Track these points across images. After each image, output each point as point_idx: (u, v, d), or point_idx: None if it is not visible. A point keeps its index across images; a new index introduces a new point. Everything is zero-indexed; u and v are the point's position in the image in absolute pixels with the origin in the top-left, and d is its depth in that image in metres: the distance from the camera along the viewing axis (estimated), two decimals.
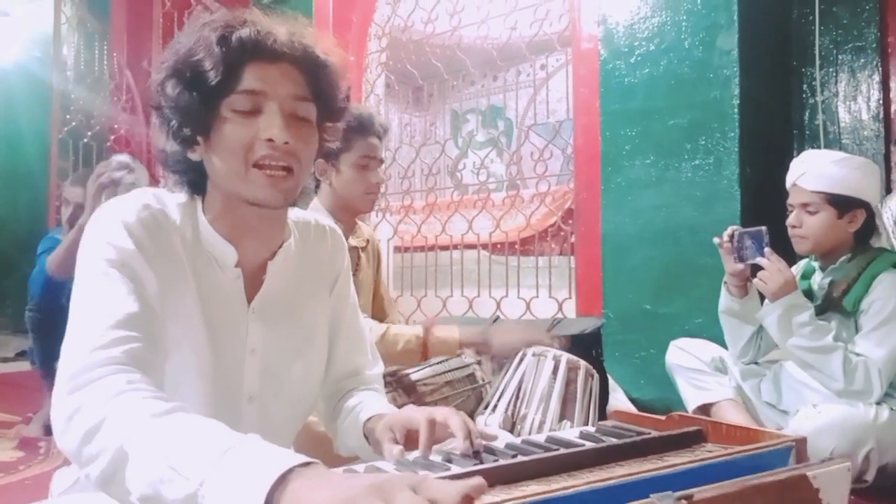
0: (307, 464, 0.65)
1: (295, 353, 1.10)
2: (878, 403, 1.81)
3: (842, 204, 1.90)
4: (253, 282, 1.05)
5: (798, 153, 2.42)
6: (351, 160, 1.96)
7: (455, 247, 3.86)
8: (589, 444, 0.96)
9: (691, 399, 2.13)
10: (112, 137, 5.07)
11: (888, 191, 2.62)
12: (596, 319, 2.88)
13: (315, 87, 1.00)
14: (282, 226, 1.07)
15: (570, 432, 1.10)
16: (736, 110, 2.52)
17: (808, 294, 1.97)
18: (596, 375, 1.94)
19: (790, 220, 1.97)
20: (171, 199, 1.02)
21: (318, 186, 2.02)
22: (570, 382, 1.84)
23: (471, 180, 4.36)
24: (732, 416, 2.00)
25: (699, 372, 2.15)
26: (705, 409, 2.08)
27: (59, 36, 4.88)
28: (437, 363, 2.06)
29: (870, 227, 1.95)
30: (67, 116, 4.86)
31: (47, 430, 2.68)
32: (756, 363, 2.15)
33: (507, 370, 1.92)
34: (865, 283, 1.88)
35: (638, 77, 2.77)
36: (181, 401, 0.80)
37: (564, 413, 1.80)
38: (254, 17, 0.97)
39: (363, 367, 1.23)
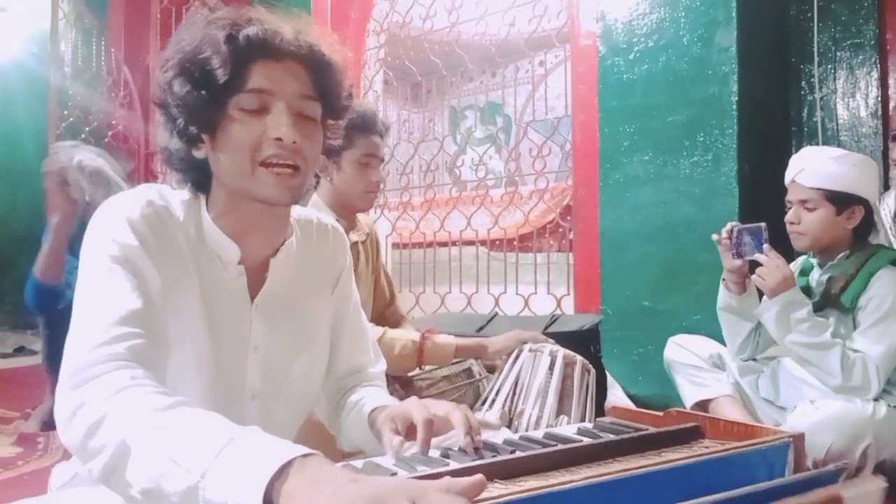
0: (307, 455, 0.66)
1: (297, 351, 1.10)
2: (876, 400, 1.81)
3: (840, 200, 1.90)
4: (256, 279, 1.05)
5: (796, 150, 2.42)
6: (352, 158, 1.96)
7: (453, 243, 3.86)
8: (587, 441, 0.96)
9: (689, 395, 2.14)
10: (110, 133, 5.07)
11: (886, 187, 2.63)
12: (594, 316, 2.88)
13: (320, 86, 1.01)
14: (285, 223, 1.08)
15: (567, 428, 1.10)
16: (734, 107, 2.52)
17: (807, 291, 1.98)
18: (592, 371, 1.94)
19: (788, 216, 1.97)
20: (175, 195, 1.02)
21: (317, 183, 2.02)
22: (566, 378, 1.84)
23: (469, 177, 4.36)
24: (730, 412, 2.01)
25: (697, 368, 2.16)
26: (703, 405, 2.08)
27: (56, 32, 4.87)
28: None
29: (868, 223, 1.95)
30: (65, 112, 4.85)
31: (45, 426, 2.68)
32: (754, 360, 2.15)
33: (504, 366, 1.93)
34: (863, 280, 1.88)
35: (636, 74, 2.77)
36: (183, 397, 0.80)
37: (561, 408, 1.80)
38: (260, 14, 0.97)
39: (366, 364, 1.23)
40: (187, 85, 0.94)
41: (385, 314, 2.24)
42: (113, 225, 0.93)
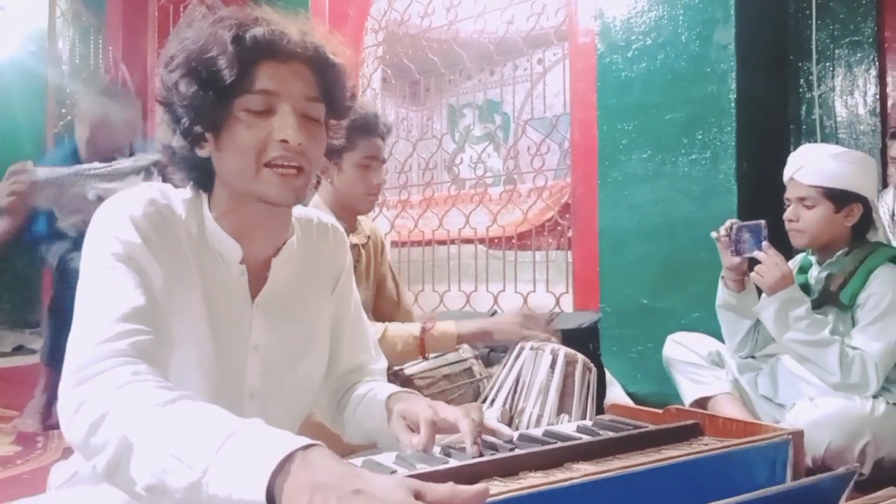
0: (309, 446, 0.66)
1: (297, 351, 1.10)
2: (875, 397, 1.82)
3: (839, 198, 1.91)
4: (257, 278, 1.05)
5: (795, 148, 2.42)
6: (354, 160, 1.95)
7: (452, 241, 3.86)
8: (586, 438, 0.96)
9: (688, 393, 2.14)
10: None
11: (884, 185, 2.63)
12: (593, 314, 2.88)
13: (325, 87, 1.01)
14: (287, 223, 1.08)
15: (567, 426, 1.10)
16: (733, 105, 2.53)
17: (805, 288, 1.98)
18: (594, 369, 1.94)
19: (787, 214, 1.98)
20: (177, 194, 1.02)
21: (318, 183, 2.01)
22: (567, 376, 1.84)
23: (468, 175, 4.37)
24: (729, 409, 2.01)
25: (696, 366, 2.16)
26: (702, 402, 2.09)
27: (54, 30, 4.86)
28: (435, 357, 2.06)
29: (867, 221, 1.95)
30: (63, 111, 4.83)
31: (46, 424, 2.68)
32: (753, 357, 2.16)
33: (505, 364, 1.92)
34: (862, 278, 1.88)
35: (635, 71, 2.77)
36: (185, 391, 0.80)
37: (562, 407, 1.80)
38: (266, 15, 0.97)
39: (367, 362, 1.23)
40: (193, 84, 0.93)
41: (394, 318, 2.21)
42: (116, 223, 0.93)
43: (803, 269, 2.06)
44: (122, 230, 0.92)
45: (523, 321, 1.99)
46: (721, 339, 2.19)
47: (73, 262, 2.33)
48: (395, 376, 1.96)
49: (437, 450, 0.96)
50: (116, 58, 5.12)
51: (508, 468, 0.84)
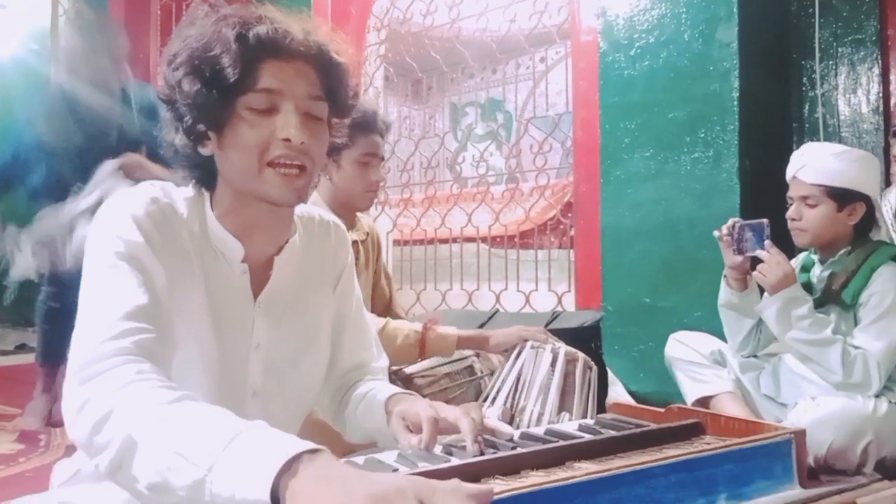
0: (315, 451, 0.66)
1: (299, 349, 1.11)
2: (877, 396, 1.81)
3: (841, 197, 1.90)
4: (259, 277, 1.05)
5: (797, 146, 2.41)
6: (353, 157, 1.95)
7: (454, 240, 3.86)
8: (588, 437, 0.96)
9: (690, 392, 2.14)
10: None
11: (887, 184, 2.62)
12: (595, 313, 2.88)
13: (328, 86, 1.01)
14: (289, 222, 1.08)
15: (569, 425, 1.10)
16: (735, 103, 2.52)
17: (808, 287, 1.98)
18: (594, 367, 1.94)
19: (790, 212, 1.97)
20: (179, 193, 1.02)
21: (317, 181, 2.02)
22: (568, 374, 1.84)
23: (470, 173, 4.36)
24: (731, 408, 2.01)
25: (698, 365, 2.15)
26: (704, 401, 2.08)
27: (56, 29, 4.86)
28: None
29: (869, 220, 1.95)
30: None
31: (48, 422, 2.68)
32: (755, 356, 2.15)
33: (506, 362, 1.93)
34: (865, 276, 1.88)
35: (637, 70, 2.76)
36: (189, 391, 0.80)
37: (563, 405, 1.80)
38: (269, 13, 0.97)
39: (368, 360, 1.23)
40: (196, 83, 0.93)
41: (384, 317, 2.23)
42: (118, 222, 0.93)
43: (805, 268, 2.05)
44: (124, 229, 0.92)
45: (522, 327, 2.01)
46: (723, 338, 2.18)
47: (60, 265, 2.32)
48: (395, 374, 1.96)
49: (438, 448, 0.96)
50: None
51: (510, 467, 0.84)
